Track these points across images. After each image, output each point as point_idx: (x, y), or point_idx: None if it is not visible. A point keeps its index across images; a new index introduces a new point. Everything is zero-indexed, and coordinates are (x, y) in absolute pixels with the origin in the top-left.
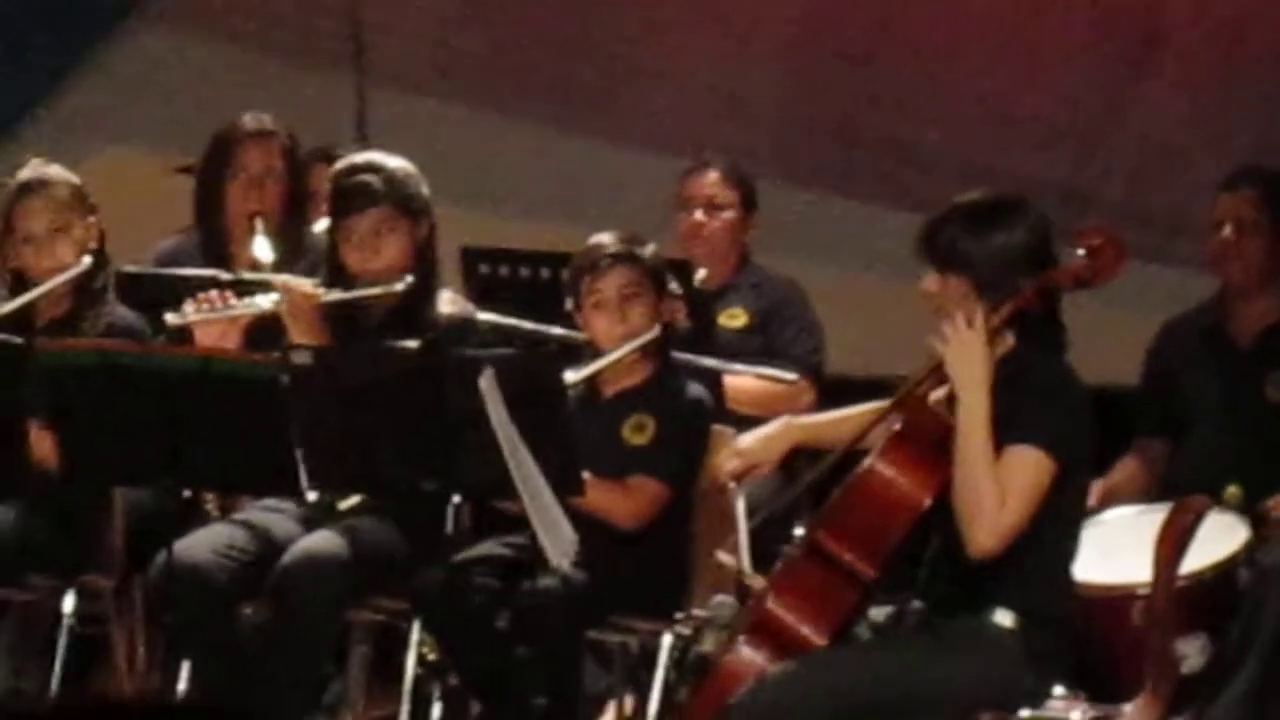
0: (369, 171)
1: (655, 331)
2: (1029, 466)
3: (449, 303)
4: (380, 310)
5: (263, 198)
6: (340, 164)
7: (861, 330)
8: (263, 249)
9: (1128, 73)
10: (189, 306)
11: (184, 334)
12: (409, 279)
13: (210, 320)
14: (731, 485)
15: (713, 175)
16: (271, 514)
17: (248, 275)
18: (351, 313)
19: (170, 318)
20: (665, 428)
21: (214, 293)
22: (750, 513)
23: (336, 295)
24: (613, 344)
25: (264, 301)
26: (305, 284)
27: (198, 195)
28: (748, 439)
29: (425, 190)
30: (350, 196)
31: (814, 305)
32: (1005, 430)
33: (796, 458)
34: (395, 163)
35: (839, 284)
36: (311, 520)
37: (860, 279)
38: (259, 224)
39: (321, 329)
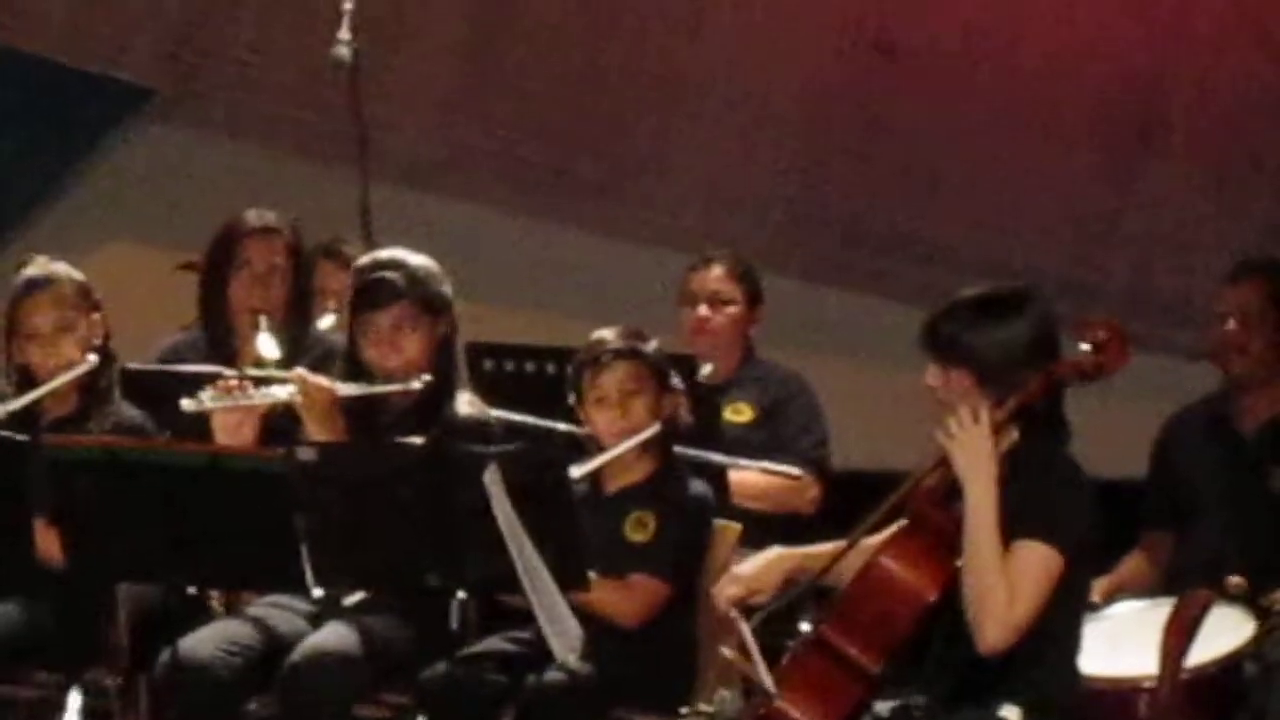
0: (391, 268)
1: (656, 428)
2: (1037, 561)
3: (468, 404)
4: (398, 407)
5: (267, 294)
6: (363, 260)
7: (867, 424)
8: (267, 345)
9: (1130, 162)
10: (206, 394)
11: (199, 421)
12: (426, 377)
13: (227, 408)
14: (733, 613)
15: (717, 270)
16: (276, 610)
17: (253, 372)
18: (369, 409)
19: (187, 404)
20: (667, 525)
21: (232, 380)
22: (752, 610)
23: (352, 389)
24: (614, 440)
25: (281, 392)
26: (322, 379)
27: (202, 291)
28: (745, 567)
29: (447, 289)
30: (372, 292)
31: (819, 399)
32: (1012, 524)
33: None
34: (418, 260)
35: (843, 377)
36: (317, 616)
37: (864, 372)
38: (263, 321)
39: (339, 424)
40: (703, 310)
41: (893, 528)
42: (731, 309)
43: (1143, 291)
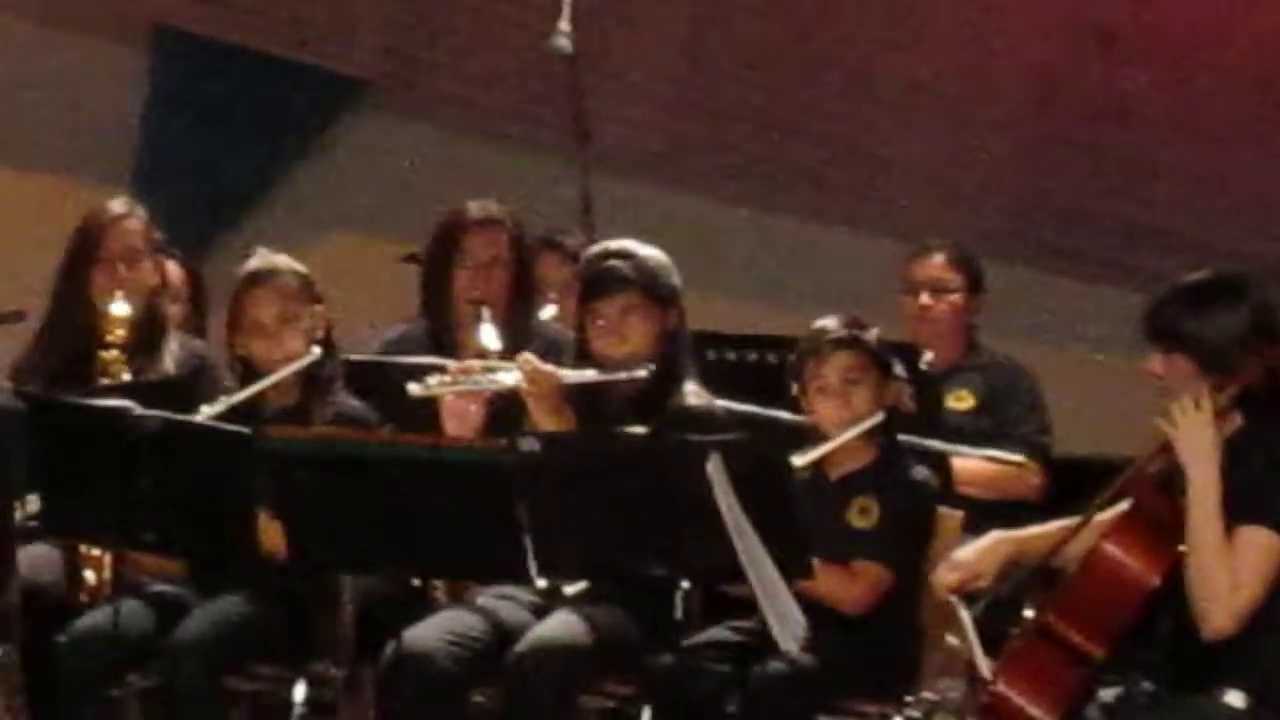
0: (620, 257)
1: (879, 416)
2: (1261, 547)
3: (694, 395)
4: (624, 396)
5: (489, 286)
6: (593, 249)
7: (1090, 411)
8: (490, 337)
9: None
10: (433, 379)
11: (422, 413)
12: (651, 366)
13: (454, 393)
14: (952, 599)
15: (938, 258)
16: (500, 600)
17: (476, 363)
18: (595, 398)
19: (414, 388)
20: (890, 511)
21: (457, 365)
22: (974, 597)
23: (576, 376)
24: (837, 428)
25: (507, 378)
26: (548, 366)
27: (424, 283)
28: (964, 552)
29: (676, 280)
30: (600, 280)
31: (1040, 386)
32: (1236, 510)
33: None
34: (647, 251)
35: (1066, 365)
36: (540, 607)
37: (1087, 359)
38: (485, 312)
39: (565, 412)
40: (925, 298)
41: (1115, 511)
42: (953, 296)
43: None
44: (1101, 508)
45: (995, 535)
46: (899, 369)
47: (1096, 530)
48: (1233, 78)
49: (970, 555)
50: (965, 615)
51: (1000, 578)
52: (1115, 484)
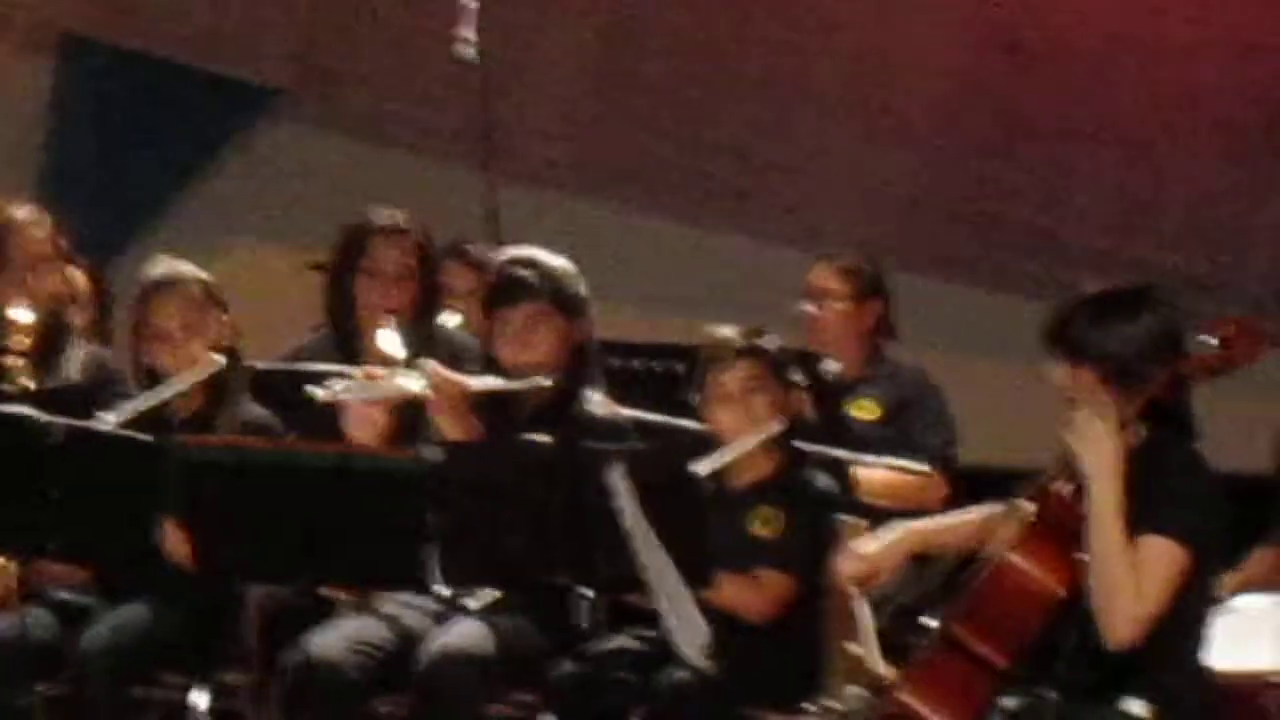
0: (527, 266)
1: (780, 424)
2: (1163, 557)
3: (600, 404)
4: (530, 405)
5: (395, 294)
6: (501, 257)
7: (994, 420)
8: (393, 344)
9: (1265, 160)
10: (337, 384)
11: (327, 421)
12: (556, 375)
13: (359, 399)
14: (854, 590)
15: (823, 267)
16: (405, 609)
17: (379, 370)
18: (501, 406)
19: (319, 393)
20: (793, 520)
21: (363, 370)
22: (880, 604)
23: (481, 384)
24: (737, 437)
25: (412, 384)
26: (452, 373)
27: (329, 290)
28: (867, 546)
29: (583, 290)
30: (507, 289)
31: (946, 396)
32: (1139, 521)
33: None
34: (555, 260)
35: (974, 374)
36: (443, 614)
37: (993, 368)
38: (390, 320)
39: (471, 421)
40: (810, 307)
41: (1020, 521)
42: (838, 305)
43: (1277, 290)
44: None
45: (900, 527)
46: (799, 377)
47: (991, 525)
48: (1147, 91)
49: (873, 549)
50: (864, 609)
51: (906, 585)
52: (1024, 493)
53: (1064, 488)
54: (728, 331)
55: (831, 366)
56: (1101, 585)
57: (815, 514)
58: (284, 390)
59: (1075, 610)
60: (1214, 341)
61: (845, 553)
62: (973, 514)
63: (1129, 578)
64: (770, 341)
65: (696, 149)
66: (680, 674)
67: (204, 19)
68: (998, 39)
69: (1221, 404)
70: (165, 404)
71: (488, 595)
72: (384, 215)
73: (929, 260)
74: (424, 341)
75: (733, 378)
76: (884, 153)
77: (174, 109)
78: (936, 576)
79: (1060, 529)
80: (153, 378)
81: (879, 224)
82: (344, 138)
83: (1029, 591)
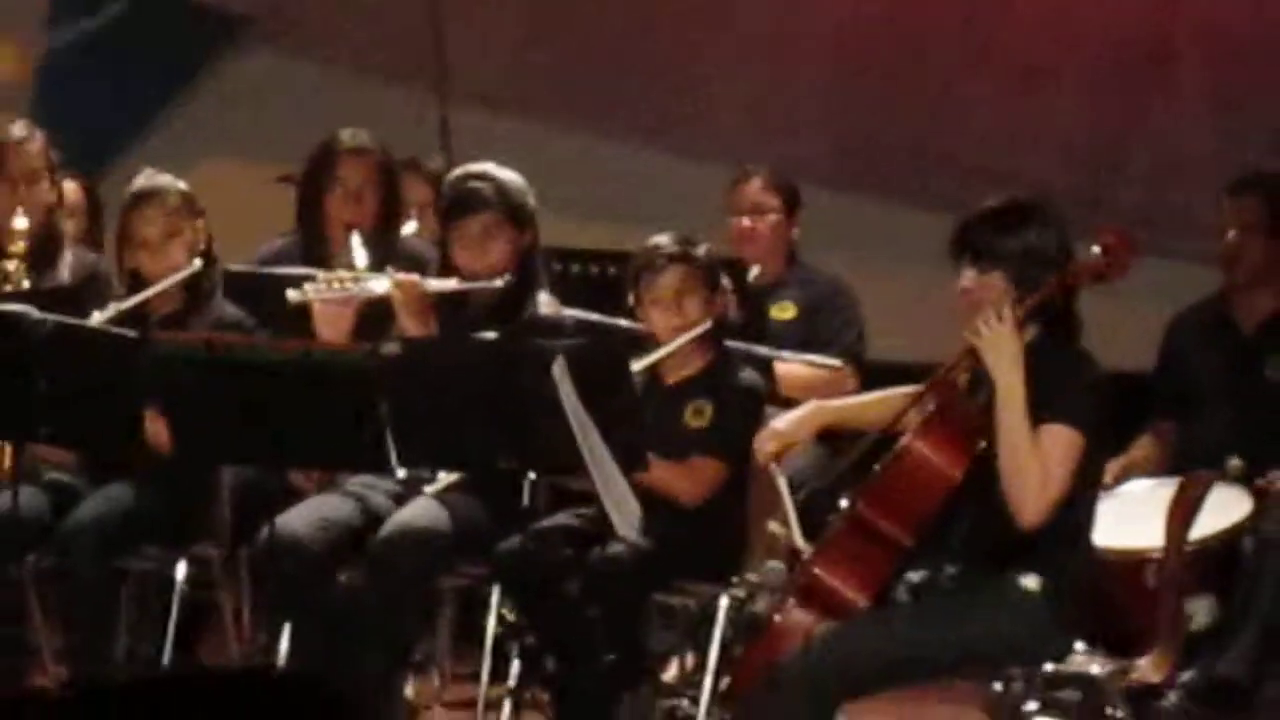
0: (481, 180)
1: (708, 324)
2: (1064, 443)
3: (546, 304)
4: (483, 305)
5: (359, 208)
6: (456, 172)
7: (898, 320)
8: (359, 255)
9: (1142, 90)
10: (309, 287)
11: (296, 319)
12: (508, 277)
13: (327, 299)
14: (772, 466)
15: (756, 183)
16: (365, 490)
17: (345, 274)
18: (457, 306)
19: (292, 295)
20: (722, 411)
21: (330, 274)
22: (799, 486)
23: (440, 285)
24: (670, 336)
25: (377, 287)
26: (412, 275)
27: (300, 203)
28: (781, 422)
29: (532, 202)
30: (463, 201)
31: (856, 297)
32: (1038, 411)
33: (840, 436)
34: (506, 175)
35: (877, 278)
36: (403, 496)
37: (896, 274)
38: (355, 233)
39: (429, 319)
40: (745, 220)
41: (922, 408)
42: (771, 217)
43: (1152, 204)
44: (914, 397)
45: (814, 403)
46: (726, 282)
47: (897, 401)
48: (1033, 21)
49: (787, 424)
50: (783, 483)
51: (823, 471)
52: (920, 390)
53: (961, 380)
54: (662, 239)
55: (754, 271)
56: (1012, 472)
57: (743, 405)
58: (256, 291)
59: (971, 493)
60: (1097, 249)
61: (763, 431)
62: (880, 395)
63: (1036, 463)
64: (700, 249)
65: (626, 73)
66: (615, 548)
67: None
68: None
69: (1104, 307)
70: (147, 303)
71: (446, 478)
72: (349, 135)
73: (839, 176)
74: (387, 249)
75: (666, 281)
76: (789, 77)
77: (156, 37)
78: (849, 462)
79: (959, 419)
80: (137, 280)
81: (789, 141)
82: (310, 63)
83: (928, 475)
